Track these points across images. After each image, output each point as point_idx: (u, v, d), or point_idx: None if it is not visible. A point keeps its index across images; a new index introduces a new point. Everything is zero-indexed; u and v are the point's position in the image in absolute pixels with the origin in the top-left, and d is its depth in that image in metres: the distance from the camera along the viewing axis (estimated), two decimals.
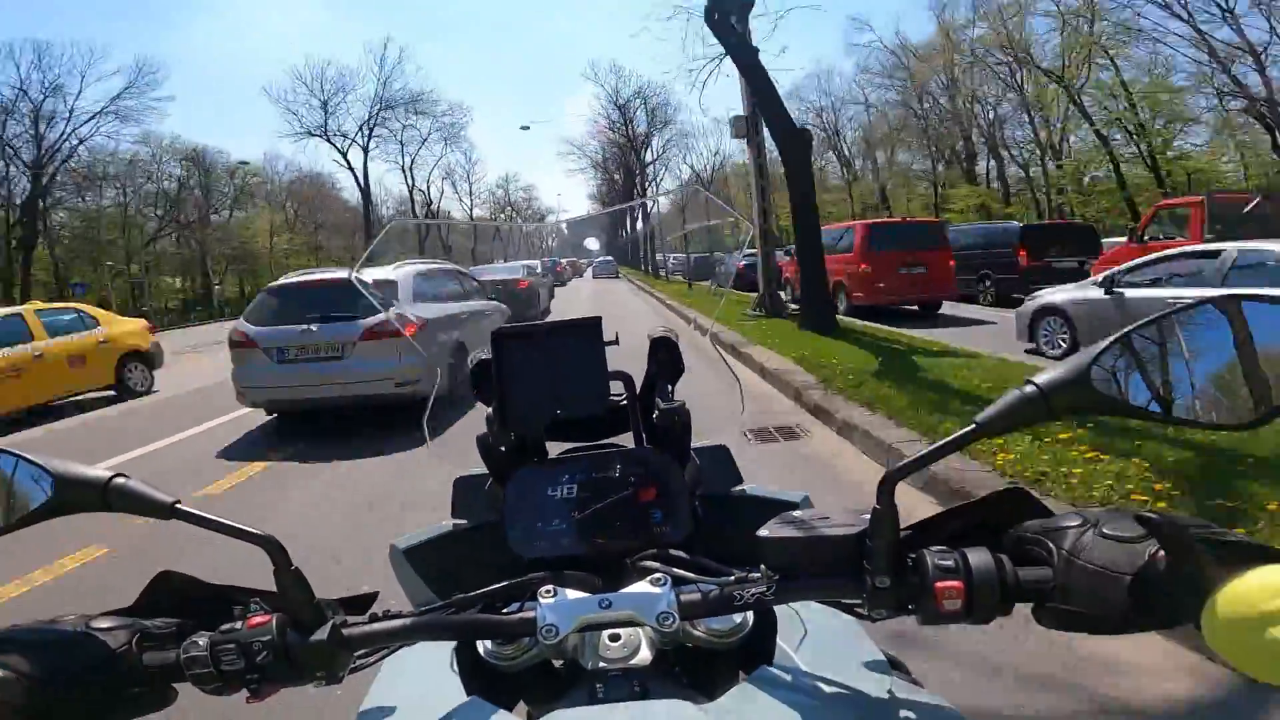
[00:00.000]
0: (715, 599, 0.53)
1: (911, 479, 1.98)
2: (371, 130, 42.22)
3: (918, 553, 0.50)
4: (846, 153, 42.43)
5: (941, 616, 0.48)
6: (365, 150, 42.11)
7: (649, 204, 36.98)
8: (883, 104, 37.91)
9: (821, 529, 0.52)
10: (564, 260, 40.97)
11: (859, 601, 0.52)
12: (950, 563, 0.49)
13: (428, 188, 46.23)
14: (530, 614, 0.53)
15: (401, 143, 43.60)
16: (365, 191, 41.39)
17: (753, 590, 0.52)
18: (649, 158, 39.15)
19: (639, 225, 43.97)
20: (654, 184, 37.74)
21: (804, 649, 0.61)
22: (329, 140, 40.80)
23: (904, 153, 39.37)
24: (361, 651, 0.54)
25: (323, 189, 45.38)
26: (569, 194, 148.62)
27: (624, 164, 41.07)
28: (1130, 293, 6.30)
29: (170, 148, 35.85)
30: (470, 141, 60.77)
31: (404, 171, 44.91)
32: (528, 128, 51.01)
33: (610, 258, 37.12)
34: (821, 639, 0.62)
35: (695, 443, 0.78)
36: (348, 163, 41.33)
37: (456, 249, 42.03)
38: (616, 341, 0.76)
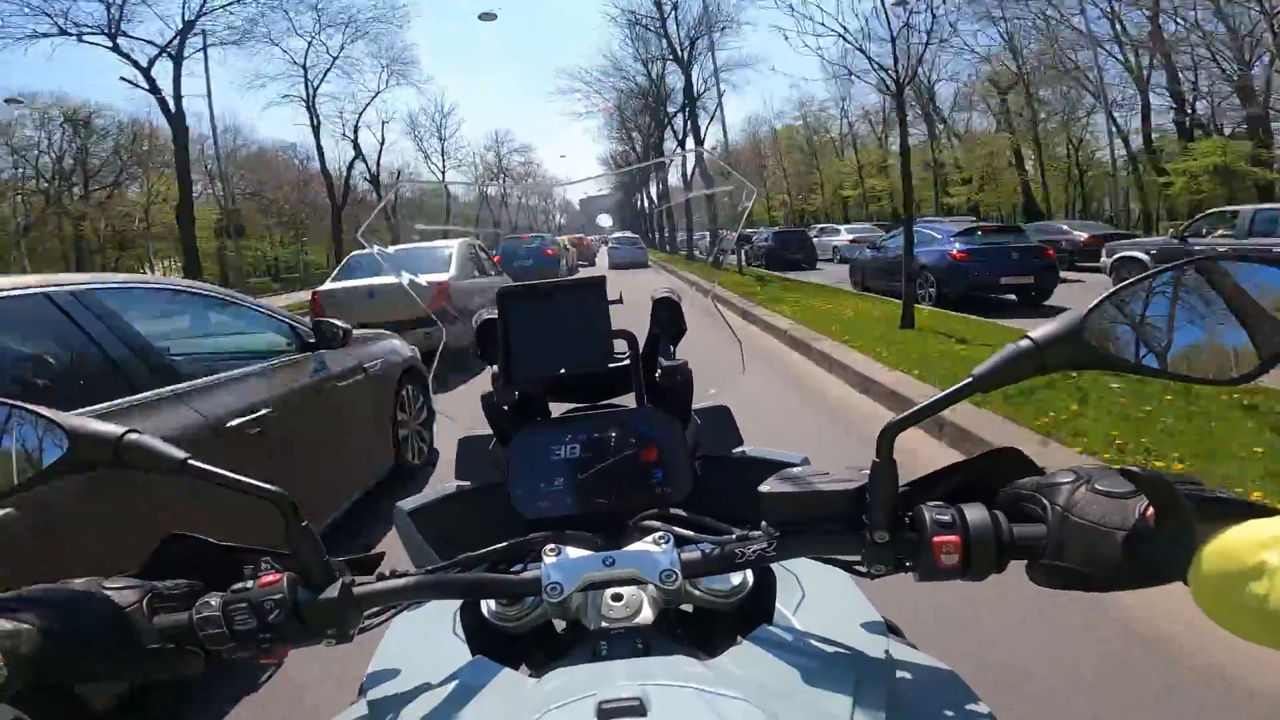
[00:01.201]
0: (717, 557, 0.55)
1: None
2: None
3: (915, 509, 0.51)
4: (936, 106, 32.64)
5: (939, 573, 0.49)
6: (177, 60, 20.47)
7: (676, 160, 30.65)
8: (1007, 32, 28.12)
9: (821, 484, 0.53)
10: (578, 238, 29.89)
11: (858, 559, 0.53)
12: (948, 518, 0.50)
13: (379, 152, 32.72)
14: (535, 573, 0.55)
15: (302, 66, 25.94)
16: (176, 119, 20.67)
17: (754, 548, 0.54)
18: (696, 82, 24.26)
19: (657, 189, 34.35)
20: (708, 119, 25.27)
21: (802, 610, 0.63)
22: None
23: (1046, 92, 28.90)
24: (370, 611, 0.56)
25: (265, 157, 36.89)
26: (576, 156, 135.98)
27: (653, 99, 27.99)
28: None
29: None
30: (427, 77, 48.61)
31: (352, 134, 30.23)
32: (492, 16, 27.48)
33: (633, 234, 28.68)
34: (819, 600, 0.64)
35: (696, 404, 0.80)
36: (154, 87, 20.65)
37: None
38: (620, 300, 0.77)
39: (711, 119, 24.14)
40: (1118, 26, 23.28)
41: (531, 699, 0.48)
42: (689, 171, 22.87)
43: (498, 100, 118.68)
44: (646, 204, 41.95)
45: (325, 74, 24.78)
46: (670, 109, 28.52)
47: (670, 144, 30.46)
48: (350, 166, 26.58)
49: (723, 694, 0.44)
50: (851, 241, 20.29)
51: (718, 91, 19.71)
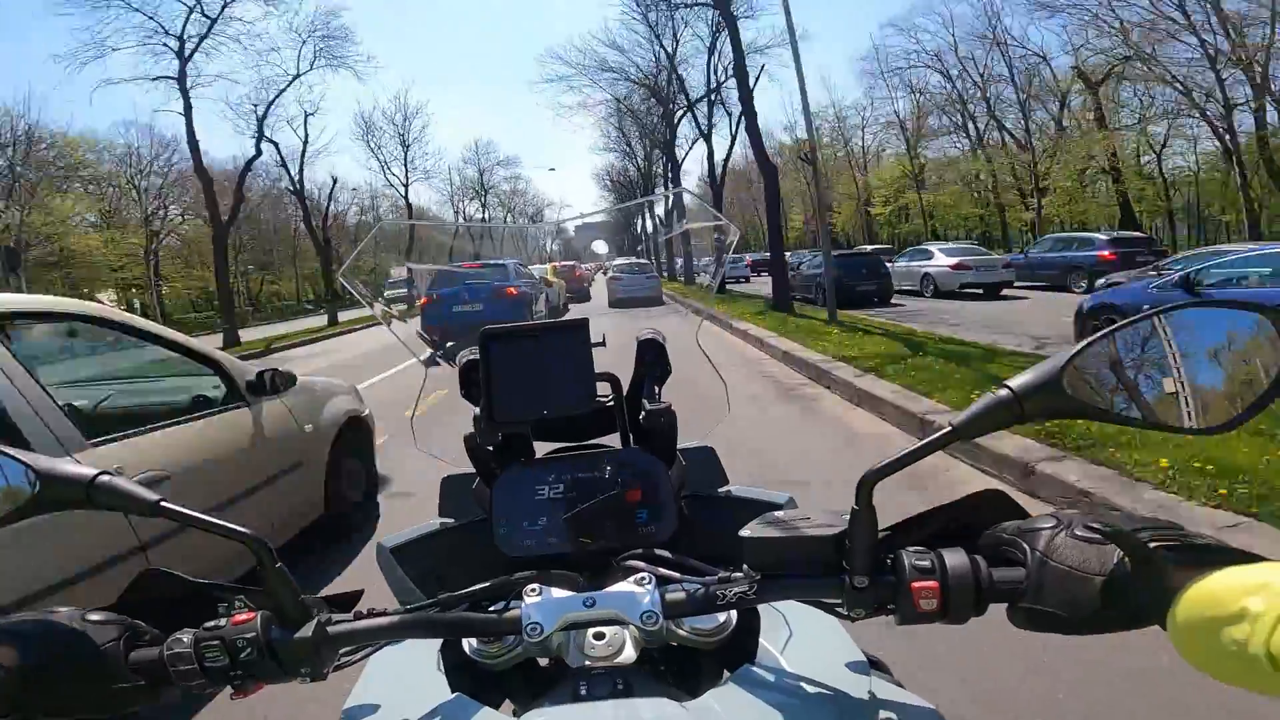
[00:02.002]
0: (698, 598, 0.58)
1: None
2: None
3: (896, 553, 0.54)
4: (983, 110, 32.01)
5: (918, 616, 0.53)
6: None
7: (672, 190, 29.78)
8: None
9: (802, 529, 0.57)
10: (569, 266, 25.95)
11: (839, 601, 0.56)
12: (927, 563, 0.53)
13: (303, 153, 24.01)
14: (515, 612, 0.58)
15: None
16: None
17: (735, 590, 0.57)
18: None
19: (654, 218, 32.84)
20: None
21: (786, 649, 0.66)
22: None
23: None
24: (346, 648, 0.59)
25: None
26: (567, 169, 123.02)
27: (666, 84, 25.15)
28: None
29: None
30: (368, 58, 35.99)
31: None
32: None
33: (641, 260, 24.59)
34: (804, 639, 0.67)
35: (681, 444, 0.83)
36: None
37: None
38: (604, 343, 0.80)
39: (738, 123, 20.05)
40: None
41: None
42: (672, 206, 22.05)
43: (477, 103, 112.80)
44: (649, 226, 39.08)
45: (200, 42, 18.31)
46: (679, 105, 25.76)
47: (684, 136, 27.59)
48: (248, 167, 20.34)
49: None
50: (956, 268, 16.16)
51: (739, 77, 14.97)
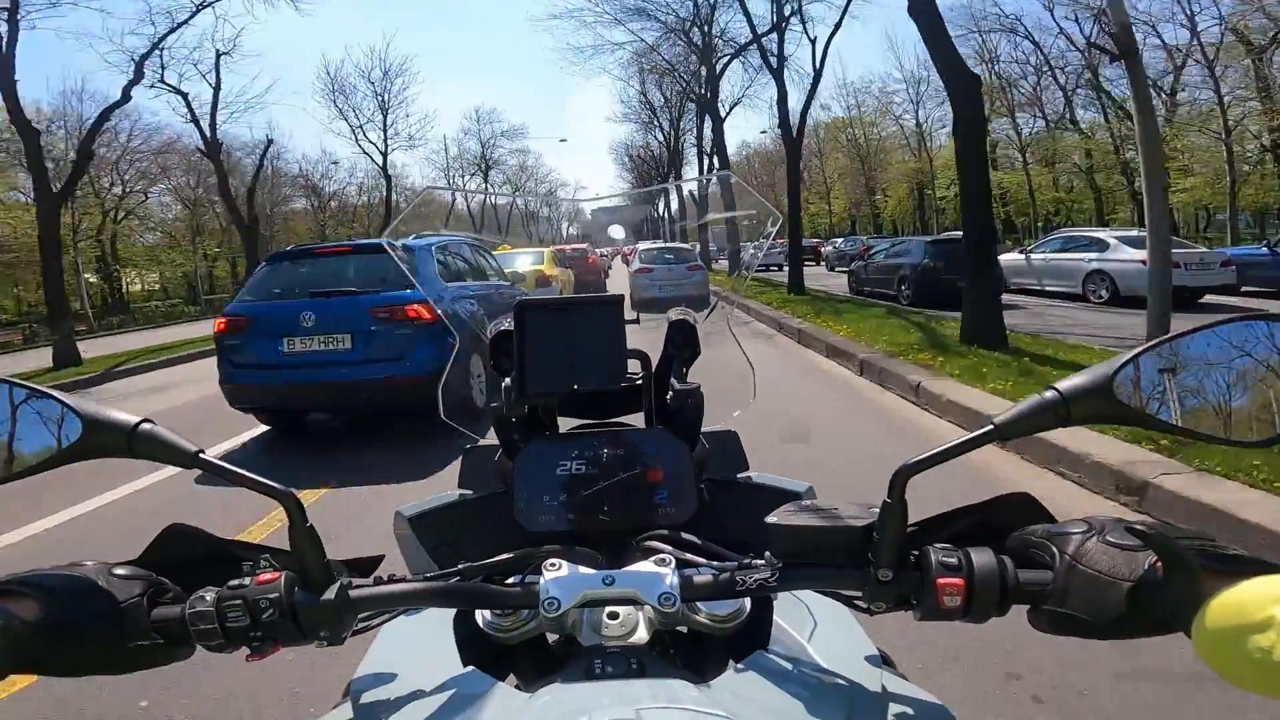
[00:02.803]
0: (718, 583, 0.60)
1: None
2: None
3: (922, 549, 0.57)
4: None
5: (940, 613, 0.55)
6: None
7: (689, 186, 26.72)
8: None
9: (831, 519, 0.59)
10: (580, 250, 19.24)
11: (859, 594, 0.59)
12: (954, 560, 0.55)
13: (214, 101, 19.44)
14: (534, 587, 0.61)
15: None
16: None
17: (756, 576, 0.59)
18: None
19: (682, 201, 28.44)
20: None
21: (799, 639, 0.69)
22: None
23: None
24: (364, 614, 0.61)
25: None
26: (580, 139, 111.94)
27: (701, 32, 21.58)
28: None
29: None
30: None
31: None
32: None
33: (683, 246, 16.76)
34: (817, 629, 0.70)
35: (705, 427, 0.87)
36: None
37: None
38: (638, 320, 0.84)
39: (825, 49, 16.00)
40: None
41: (525, 715, 0.53)
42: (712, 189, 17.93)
43: (476, 67, 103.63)
44: (675, 209, 33.21)
45: None
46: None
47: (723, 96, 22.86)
48: (103, 117, 14.51)
49: (718, 717, 0.48)
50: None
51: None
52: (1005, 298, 13.27)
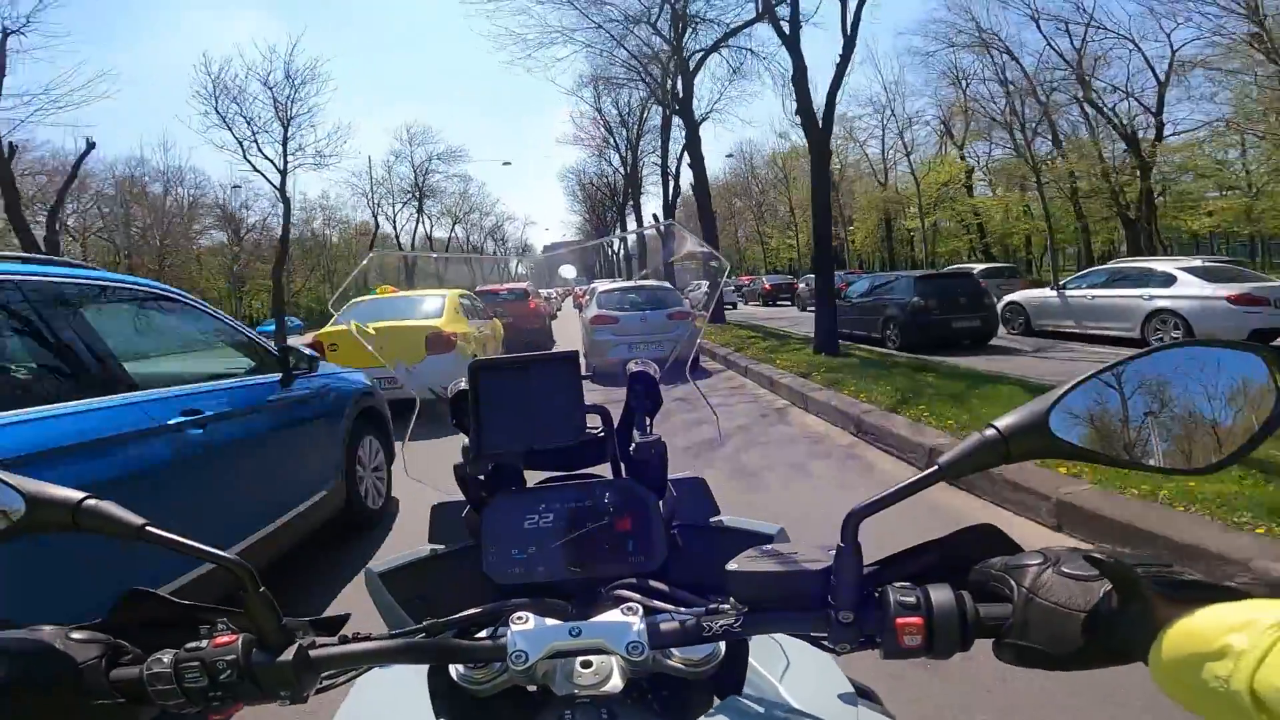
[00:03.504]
0: (685, 629, 0.63)
1: None
2: None
3: (881, 589, 0.60)
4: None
5: (902, 651, 0.58)
6: None
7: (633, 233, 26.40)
8: None
9: (789, 564, 0.63)
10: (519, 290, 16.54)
11: (825, 635, 0.62)
12: (912, 599, 0.58)
13: None
14: (502, 640, 0.63)
15: None
16: None
17: (721, 622, 0.62)
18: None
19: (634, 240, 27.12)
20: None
21: (775, 679, 0.72)
22: None
23: None
24: (330, 671, 0.64)
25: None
26: (524, 161, 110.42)
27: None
28: None
29: None
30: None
31: None
32: None
33: (661, 284, 11.26)
34: (792, 669, 0.73)
35: (672, 475, 0.90)
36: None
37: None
38: (592, 377, 0.88)
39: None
40: None
41: None
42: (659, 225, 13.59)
43: (406, 75, 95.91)
44: (627, 246, 31.84)
45: None
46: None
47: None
48: None
49: None
50: (1238, 300, 9.94)
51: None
52: (1009, 339, 12.63)
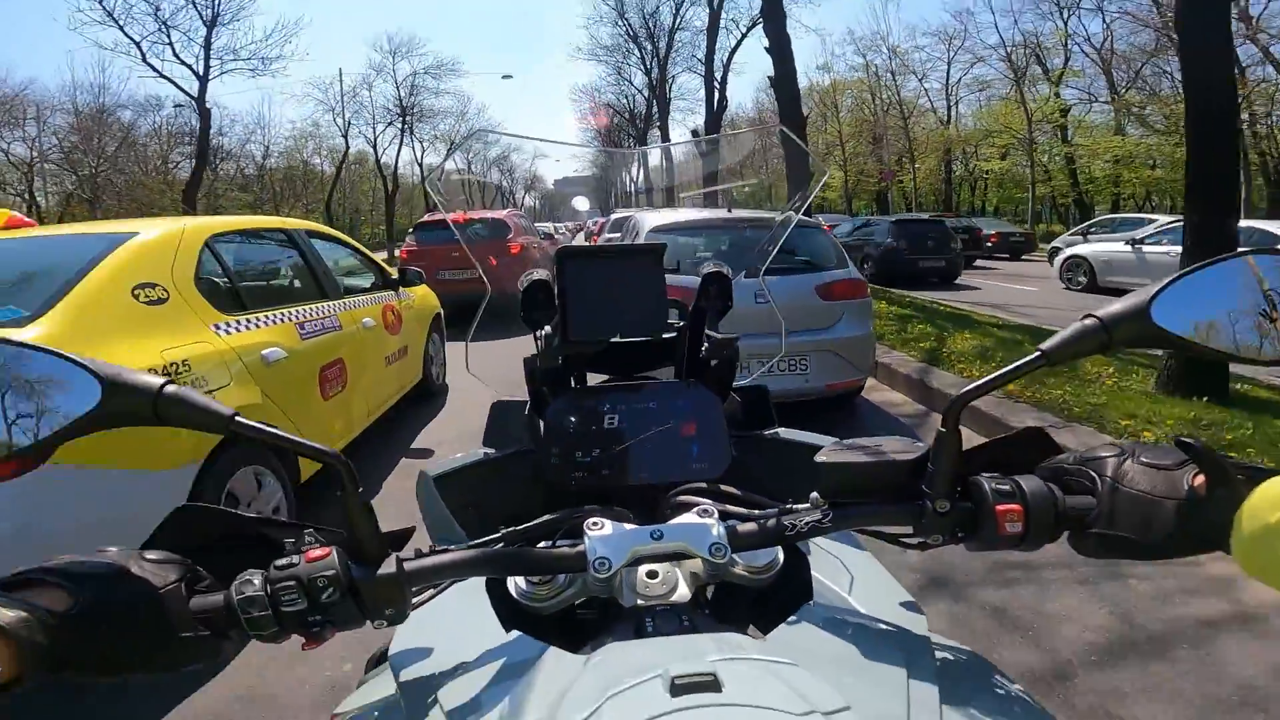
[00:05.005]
0: (765, 530, 0.64)
1: None
2: None
3: (972, 480, 0.62)
4: None
5: (999, 540, 0.60)
6: None
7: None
8: None
9: (877, 454, 0.63)
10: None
11: (907, 530, 0.64)
12: (1008, 487, 0.60)
13: None
14: (580, 548, 0.63)
15: None
16: None
17: (806, 520, 0.63)
18: None
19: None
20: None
21: (839, 589, 0.72)
22: None
23: None
24: (418, 586, 0.63)
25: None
26: (527, 73, 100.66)
27: None
28: None
29: None
30: None
31: None
32: None
33: (784, 219, 1.70)
34: (855, 581, 0.73)
35: (735, 382, 0.91)
36: None
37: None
38: (679, 269, 0.96)
39: None
40: None
41: (588, 677, 0.53)
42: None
43: None
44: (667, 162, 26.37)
45: None
46: None
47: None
48: None
49: (789, 666, 0.51)
50: None
51: None
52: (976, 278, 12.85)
